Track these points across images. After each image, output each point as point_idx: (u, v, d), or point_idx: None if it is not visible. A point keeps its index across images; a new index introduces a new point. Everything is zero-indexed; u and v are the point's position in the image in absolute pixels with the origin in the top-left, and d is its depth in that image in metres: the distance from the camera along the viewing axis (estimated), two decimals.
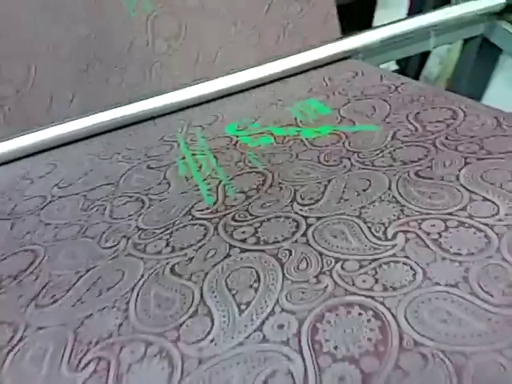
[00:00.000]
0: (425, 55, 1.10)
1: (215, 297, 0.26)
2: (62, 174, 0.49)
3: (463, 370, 0.18)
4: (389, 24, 0.67)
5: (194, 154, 0.45)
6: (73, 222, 0.38)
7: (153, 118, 0.58)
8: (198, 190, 0.38)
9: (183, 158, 0.45)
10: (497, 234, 0.25)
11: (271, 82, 0.62)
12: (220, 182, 0.39)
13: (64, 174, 0.48)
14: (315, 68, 0.63)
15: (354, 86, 0.54)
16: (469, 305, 0.21)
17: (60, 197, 0.43)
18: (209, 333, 0.23)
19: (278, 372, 0.20)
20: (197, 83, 0.60)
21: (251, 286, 0.26)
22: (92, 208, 0.39)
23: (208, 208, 0.35)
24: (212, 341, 0.23)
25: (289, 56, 0.63)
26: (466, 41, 0.84)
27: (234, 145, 0.45)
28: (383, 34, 0.67)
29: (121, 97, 0.58)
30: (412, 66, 1.16)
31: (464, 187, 0.30)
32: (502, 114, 0.38)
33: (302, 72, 0.63)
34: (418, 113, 0.42)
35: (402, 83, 0.51)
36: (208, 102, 0.60)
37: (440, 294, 0.22)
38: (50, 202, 0.43)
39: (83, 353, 0.24)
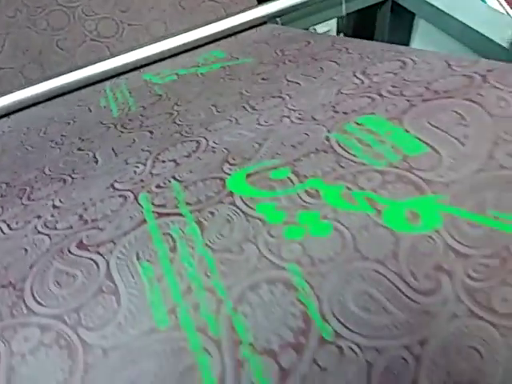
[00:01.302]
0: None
1: (104, 157, 0.38)
2: (12, 121, 0.60)
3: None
4: None
5: (114, 94, 0.57)
6: (16, 141, 0.49)
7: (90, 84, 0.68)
8: (111, 110, 0.50)
9: (106, 96, 0.57)
10: (290, 97, 0.38)
11: (193, 48, 0.73)
12: (128, 103, 0.51)
13: (14, 120, 0.60)
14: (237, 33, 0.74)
15: (251, 38, 0.66)
16: (255, 129, 0.33)
17: (9, 131, 0.54)
18: (95, 162, 0.35)
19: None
20: (127, 52, 0.70)
21: (129, 145, 0.38)
22: (30, 133, 0.51)
23: (114, 118, 0.47)
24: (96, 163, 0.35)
25: (207, 24, 0.74)
26: (379, 8, 0.94)
27: (147, 84, 0.57)
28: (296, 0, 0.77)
29: (48, 40, 0.67)
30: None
31: (286, 79, 0.42)
32: (313, 35, 0.52)
33: (223, 37, 0.74)
34: (283, 47, 0.55)
35: (285, 32, 0.63)
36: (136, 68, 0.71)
37: (237, 129, 0.34)
38: (1, 135, 0.54)
39: None
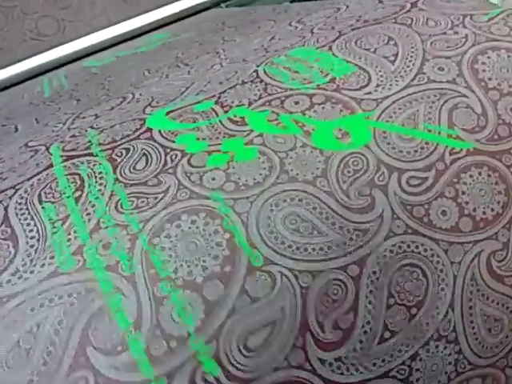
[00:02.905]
0: None
1: (25, 126, 0.34)
2: None
3: None
4: None
5: (51, 81, 0.54)
6: None
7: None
8: (44, 92, 0.47)
9: (42, 84, 0.54)
10: (224, 51, 0.36)
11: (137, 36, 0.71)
12: (62, 85, 0.48)
13: None
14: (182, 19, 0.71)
15: (195, 20, 0.65)
16: (184, 78, 0.31)
17: None
18: (16, 132, 0.32)
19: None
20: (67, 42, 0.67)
21: (53, 113, 0.35)
22: None
23: (45, 97, 0.44)
24: None
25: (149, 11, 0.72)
26: None
27: (85, 69, 0.54)
28: None
29: None
30: None
31: (223, 40, 0.41)
32: (256, 8, 0.50)
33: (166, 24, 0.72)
34: (225, 20, 0.53)
35: (229, 11, 0.62)
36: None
37: (166, 81, 0.32)
38: None
39: None
